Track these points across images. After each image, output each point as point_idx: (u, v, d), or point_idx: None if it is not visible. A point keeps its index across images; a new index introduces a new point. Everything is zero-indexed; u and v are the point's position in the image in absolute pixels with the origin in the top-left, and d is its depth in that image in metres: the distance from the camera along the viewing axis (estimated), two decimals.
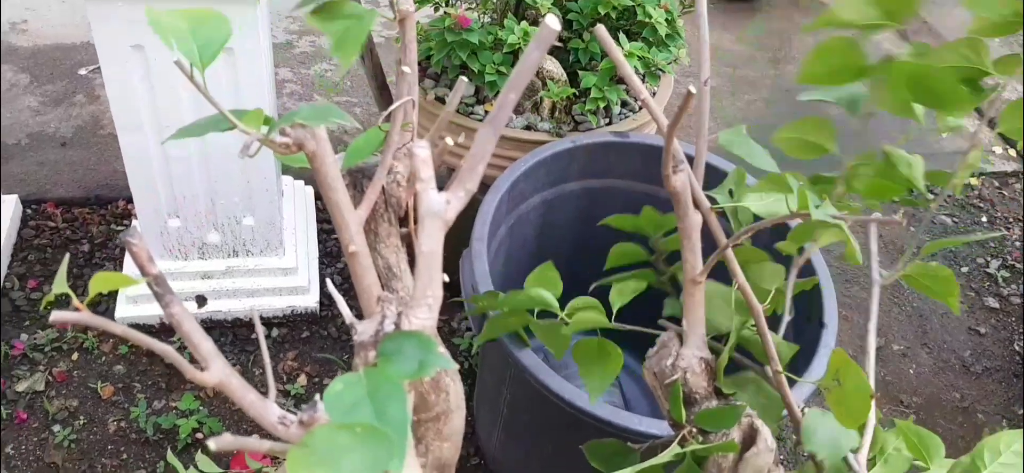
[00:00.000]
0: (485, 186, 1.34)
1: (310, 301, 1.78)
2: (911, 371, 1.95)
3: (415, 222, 0.63)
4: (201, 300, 1.74)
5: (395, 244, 0.60)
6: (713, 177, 1.38)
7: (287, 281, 1.75)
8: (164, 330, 1.76)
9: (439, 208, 0.40)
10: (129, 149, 1.47)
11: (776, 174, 0.56)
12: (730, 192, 0.65)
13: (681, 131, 1.31)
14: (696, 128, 0.66)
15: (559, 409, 1.10)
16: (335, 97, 2.43)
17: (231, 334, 1.79)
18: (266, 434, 0.42)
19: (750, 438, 0.65)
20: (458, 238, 1.27)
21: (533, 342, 1.80)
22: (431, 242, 0.40)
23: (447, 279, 0.60)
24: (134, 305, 1.73)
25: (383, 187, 0.58)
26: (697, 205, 0.63)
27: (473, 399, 1.74)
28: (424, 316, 0.41)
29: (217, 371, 0.43)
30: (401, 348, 0.41)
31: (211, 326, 1.78)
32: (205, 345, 0.43)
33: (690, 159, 0.64)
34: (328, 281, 0.45)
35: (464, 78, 0.58)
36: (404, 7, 0.58)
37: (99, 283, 0.38)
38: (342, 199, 0.51)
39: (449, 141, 0.57)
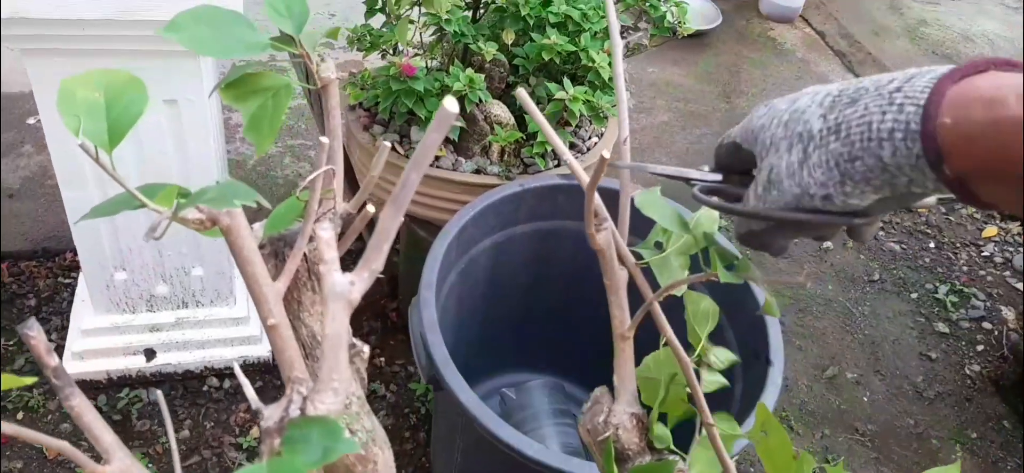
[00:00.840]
0: (437, 230, 1.34)
1: (263, 350, 1.76)
2: (865, 398, 1.98)
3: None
4: (150, 353, 1.71)
5: (319, 312, 0.60)
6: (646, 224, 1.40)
7: (238, 331, 1.73)
8: (111, 385, 1.72)
9: (343, 290, 0.40)
10: (72, 204, 1.44)
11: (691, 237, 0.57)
12: (657, 245, 0.66)
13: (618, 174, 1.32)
14: (622, 184, 0.67)
15: (510, 458, 1.10)
16: (291, 140, 2.42)
17: (181, 387, 1.76)
18: None
19: None
20: (414, 281, 1.27)
21: (481, 389, 1.80)
22: (335, 325, 0.40)
23: (367, 348, 0.60)
24: (81, 361, 1.69)
25: (306, 255, 0.58)
26: (622, 260, 0.64)
27: (430, 446, 1.73)
28: (330, 400, 0.41)
29: (118, 464, 0.42)
30: (306, 436, 0.40)
31: (161, 379, 1.74)
32: (106, 437, 0.42)
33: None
34: (235, 366, 0.44)
35: (387, 144, 0.58)
36: (325, 75, 0.58)
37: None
38: (259, 272, 0.51)
39: (370, 209, 0.57)
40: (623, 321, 0.65)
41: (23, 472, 1.59)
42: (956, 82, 0.42)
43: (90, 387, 1.71)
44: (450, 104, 0.38)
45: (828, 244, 2.36)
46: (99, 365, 1.70)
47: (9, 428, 0.39)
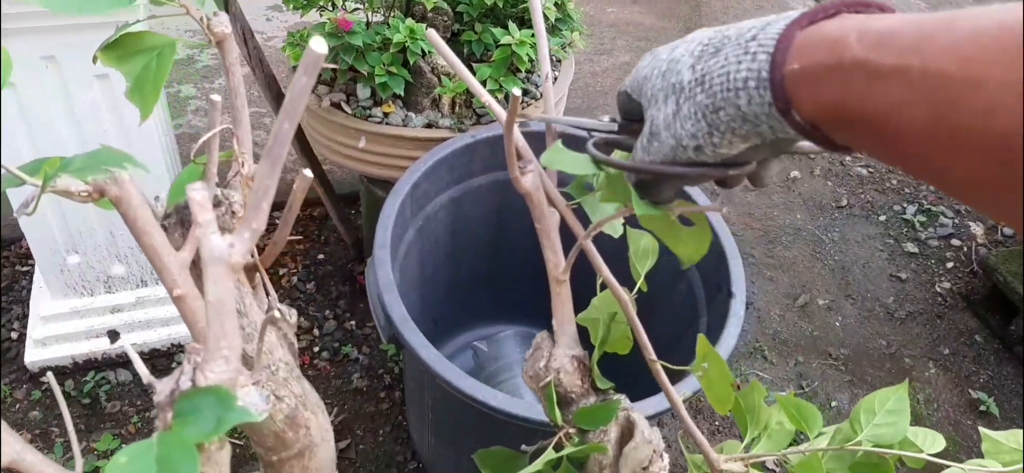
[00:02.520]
0: (389, 188, 1.31)
1: None
2: (837, 323, 1.99)
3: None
4: (113, 335, 1.68)
5: (236, 277, 0.57)
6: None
7: None
8: (77, 369, 1.70)
9: (222, 253, 0.37)
10: (14, 193, 1.40)
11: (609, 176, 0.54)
12: (588, 186, 0.63)
13: (591, 111, 1.30)
14: (547, 127, 0.64)
15: (474, 409, 1.09)
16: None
17: (150, 365, 1.73)
18: None
19: (628, 432, 0.63)
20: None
21: (455, 344, 1.78)
22: (217, 290, 0.38)
23: (295, 313, 0.58)
24: (43, 348, 1.66)
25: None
26: (552, 202, 0.61)
27: (404, 404, 1.72)
28: (220, 369, 0.39)
29: (9, 450, 0.39)
30: (196, 406, 0.38)
31: (128, 360, 1.72)
32: None
33: (578, 139, 0.62)
34: (126, 345, 0.42)
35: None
36: (218, 30, 0.55)
37: None
38: (157, 242, 0.48)
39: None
40: (557, 264, 0.63)
41: None
42: (804, 27, 0.42)
43: (57, 373, 1.68)
44: (316, 44, 0.35)
45: (795, 173, 2.35)
46: (63, 350, 1.67)
47: None
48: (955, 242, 2.19)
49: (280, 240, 0.40)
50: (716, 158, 0.47)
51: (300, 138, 1.58)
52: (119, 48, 0.48)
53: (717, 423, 1.76)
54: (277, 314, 0.55)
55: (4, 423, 0.42)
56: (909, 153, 0.37)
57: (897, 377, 1.89)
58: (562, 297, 0.64)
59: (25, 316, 1.79)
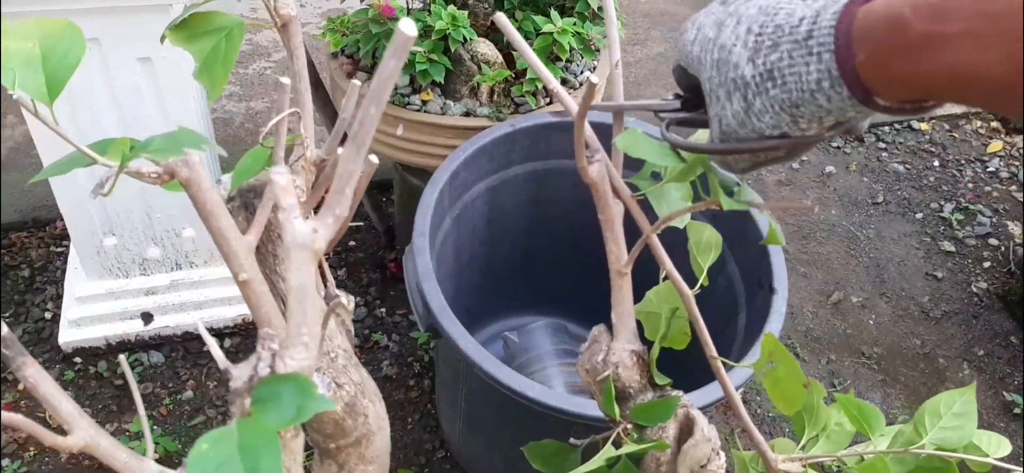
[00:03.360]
0: (429, 176, 1.30)
1: None
2: (871, 322, 1.96)
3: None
4: (147, 317, 1.69)
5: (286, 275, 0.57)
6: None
7: (235, 290, 1.70)
8: (110, 350, 1.71)
9: (305, 238, 0.37)
10: (28, 184, 1.41)
11: (686, 166, 0.53)
12: (654, 176, 0.62)
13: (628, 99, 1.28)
14: (615, 116, 0.63)
15: (511, 399, 1.08)
16: (277, 95, 2.37)
17: (182, 348, 1.74)
18: None
19: (687, 429, 0.62)
20: (410, 234, 1.24)
21: (485, 333, 1.78)
22: (300, 276, 0.37)
23: (353, 300, 0.57)
24: (77, 328, 1.68)
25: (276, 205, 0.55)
26: (617, 193, 0.60)
27: (435, 392, 1.72)
28: (301, 356, 0.38)
29: (81, 433, 0.39)
30: (276, 394, 0.38)
31: (161, 342, 1.73)
32: (65, 406, 0.39)
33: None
34: (199, 324, 0.41)
35: (356, 82, 0.54)
36: (285, 11, 0.54)
37: None
38: (225, 226, 0.48)
39: (341, 151, 0.53)
40: (619, 256, 0.62)
41: (28, 441, 1.59)
42: (854, 14, 0.42)
43: (90, 354, 1.70)
44: (406, 27, 0.34)
45: (830, 168, 2.32)
46: (97, 331, 1.68)
47: None
48: (993, 241, 2.15)
49: (343, 225, 0.40)
50: (806, 136, 0.47)
51: (328, 113, 1.57)
52: (187, 28, 0.48)
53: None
54: (338, 300, 0.54)
55: (75, 406, 0.42)
56: (998, 102, 0.39)
57: (931, 377, 1.86)
58: (624, 290, 0.63)
59: (59, 296, 1.80)
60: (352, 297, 0.58)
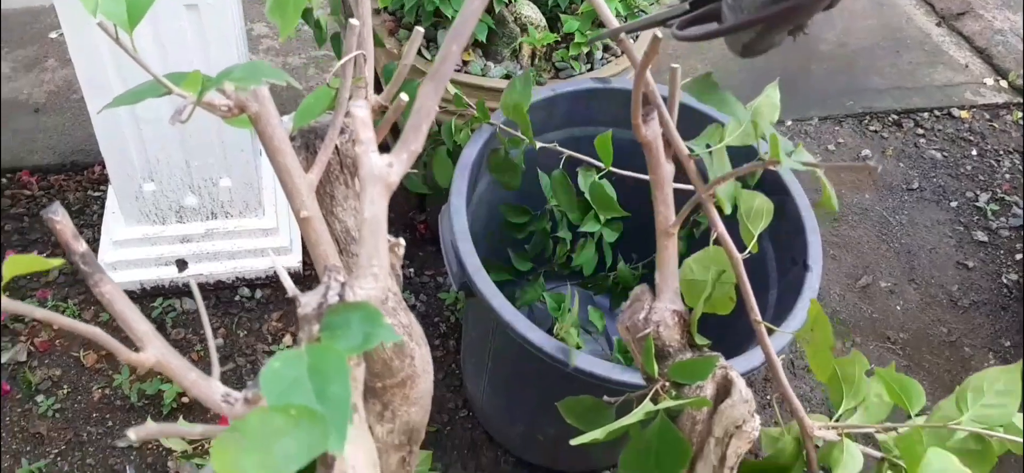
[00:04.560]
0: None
1: (293, 261, 1.76)
2: (898, 307, 1.95)
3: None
4: (181, 264, 1.72)
5: (353, 207, 0.58)
6: (692, 119, 1.35)
7: (268, 241, 1.73)
8: (145, 295, 1.74)
9: (381, 171, 0.38)
10: (98, 113, 1.43)
11: (750, 120, 0.53)
12: (706, 147, 0.62)
13: (659, 74, 1.28)
14: (671, 80, 0.63)
15: (540, 361, 1.09)
16: (314, 52, 2.38)
17: (214, 297, 1.77)
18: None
19: (724, 390, 0.63)
20: (441, 196, 1.25)
21: (515, 295, 1.79)
22: (374, 208, 0.38)
23: (403, 242, 0.58)
24: (113, 272, 1.71)
25: (337, 147, 0.56)
26: (676, 151, 0.60)
27: (460, 352, 1.74)
28: (369, 286, 0.39)
29: (154, 351, 0.41)
30: (345, 321, 0.39)
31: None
32: (140, 325, 0.40)
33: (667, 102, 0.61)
34: (273, 256, 0.43)
35: (419, 28, 0.54)
36: None
37: (13, 267, 0.36)
38: (290, 163, 0.49)
39: (404, 97, 0.54)
40: (668, 217, 0.63)
41: (61, 379, 1.63)
42: None
43: (128, 295, 1.73)
44: None
45: (866, 151, 2.30)
46: (132, 276, 1.71)
47: (42, 313, 0.38)
48: None
49: (413, 152, 0.40)
50: None
51: (376, 85, 1.58)
52: None
53: (768, 398, 1.75)
54: (395, 241, 0.55)
55: (150, 325, 0.43)
56: None
57: (955, 365, 1.85)
58: (669, 251, 0.63)
59: (95, 240, 1.84)
60: (402, 240, 0.59)
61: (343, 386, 0.36)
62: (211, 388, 0.40)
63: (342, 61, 0.49)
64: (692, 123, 1.38)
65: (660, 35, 0.55)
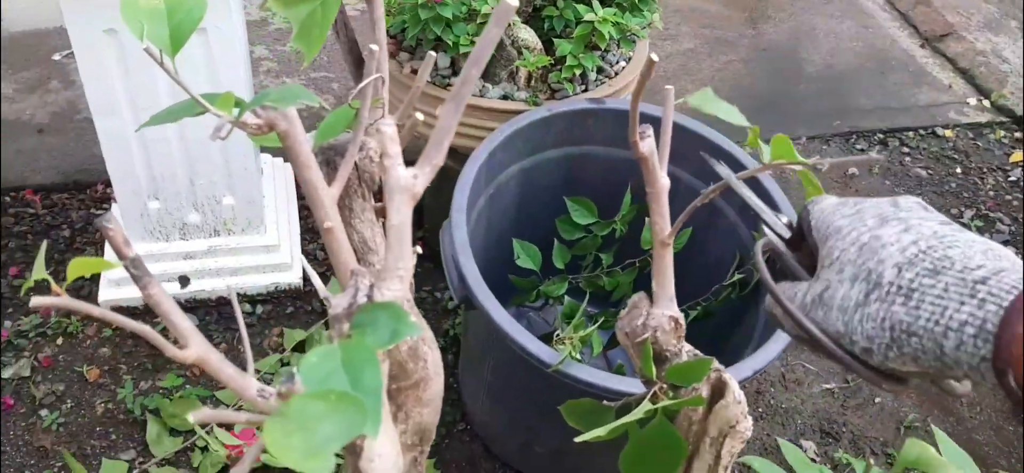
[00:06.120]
0: (464, 157, 1.35)
1: (293, 277, 1.79)
2: None
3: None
4: (184, 280, 1.75)
5: (369, 219, 0.62)
6: (684, 139, 1.40)
7: (269, 258, 1.76)
8: (147, 312, 1.77)
9: (407, 183, 0.42)
10: (106, 133, 1.47)
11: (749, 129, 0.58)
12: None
13: (652, 96, 1.32)
14: (665, 107, 0.67)
15: (539, 372, 1.13)
16: (313, 73, 2.42)
17: (216, 312, 1.80)
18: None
19: (718, 391, 0.67)
20: (441, 210, 1.29)
21: (513, 309, 1.83)
22: (400, 216, 0.42)
23: (421, 250, 0.62)
24: (116, 288, 1.74)
25: (355, 164, 0.60)
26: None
27: (458, 367, 1.77)
28: (396, 287, 0.43)
29: (196, 347, 0.44)
30: (374, 319, 0.43)
31: (196, 305, 1.79)
32: (184, 323, 0.44)
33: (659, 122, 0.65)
34: (302, 259, 0.46)
35: (432, 54, 0.59)
36: None
37: (77, 268, 0.40)
38: (316, 177, 0.53)
39: (419, 117, 0.58)
40: (663, 228, 0.67)
41: (65, 394, 1.65)
42: None
43: (128, 313, 1.76)
44: None
45: (853, 170, 2.35)
46: (136, 292, 1.73)
47: (98, 311, 0.41)
48: (1011, 250, 2.18)
49: (435, 165, 0.44)
50: (881, 367, 0.45)
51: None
52: None
53: (760, 410, 1.79)
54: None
55: (190, 323, 0.47)
56: None
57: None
58: (665, 260, 0.67)
59: (99, 257, 1.87)
60: (417, 247, 0.63)
61: (375, 376, 0.40)
62: (247, 383, 0.44)
63: (362, 84, 0.53)
64: (685, 142, 1.42)
65: (768, 234, 0.56)
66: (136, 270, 0.44)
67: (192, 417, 0.34)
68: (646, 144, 0.62)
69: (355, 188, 0.61)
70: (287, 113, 0.50)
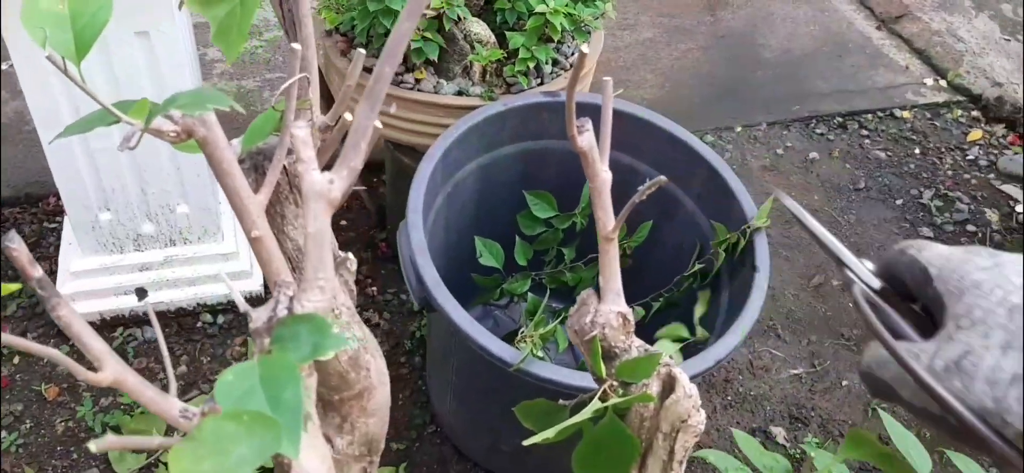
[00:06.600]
0: (419, 156, 1.33)
1: (254, 284, 1.76)
2: (850, 305, 2.01)
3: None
4: (141, 292, 1.71)
5: (302, 225, 0.60)
6: (641, 130, 1.39)
7: (228, 266, 1.73)
8: (105, 326, 1.73)
9: (322, 188, 0.40)
10: (50, 144, 1.43)
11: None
12: None
13: (621, 85, 1.31)
14: (604, 96, 0.66)
15: (501, 372, 1.11)
16: (268, 73, 2.39)
17: (176, 324, 1.77)
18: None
19: (669, 386, 0.66)
20: (402, 210, 1.27)
21: (473, 311, 1.82)
22: (317, 223, 0.40)
23: (353, 258, 0.60)
24: (71, 303, 1.69)
25: (285, 168, 0.58)
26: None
27: (425, 369, 1.75)
28: (317, 298, 0.41)
29: (111, 370, 0.42)
30: (295, 333, 0.41)
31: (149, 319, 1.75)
32: (96, 345, 0.42)
33: (619, 114, 0.64)
34: (224, 276, 0.44)
35: (361, 50, 0.57)
36: None
37: None
38: (239, 184, 0.51)
39: (348, 117, 0.56)
40: (607, 223, 0.65)
41: (24, 414, 1.61)
42: None
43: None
44: None
45: (814, 154, 2.37)
46: (91, 306, 1.70)
47: (6, 338, 0.39)
48: (970, 228, 2.20)
49: (354, 177, 0.42)
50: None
51: (329, 101, 1.60)
52: None
53: (729, 399, 1.79)
54: (344, 258, 0.57)
55: (105, 345, 0.45)
56: None
57: None
58: (610, 255, 0.66)
59: (53, 272, 1.82)
60: (353, 257, 0.61)
61: (295, 393, 0.38)
62: (169, 404, 0.42)
63: (285, 85, 0.51)
64: (642, 134, 1.42)
65: (851, 276, 0.50)
66: (44, 291, 0.42)
67: (94, 446, 0.32)
68: (585, 138, 0.61)
69: (286, 194, 0.59)
70: (205, 118, 0.48)
